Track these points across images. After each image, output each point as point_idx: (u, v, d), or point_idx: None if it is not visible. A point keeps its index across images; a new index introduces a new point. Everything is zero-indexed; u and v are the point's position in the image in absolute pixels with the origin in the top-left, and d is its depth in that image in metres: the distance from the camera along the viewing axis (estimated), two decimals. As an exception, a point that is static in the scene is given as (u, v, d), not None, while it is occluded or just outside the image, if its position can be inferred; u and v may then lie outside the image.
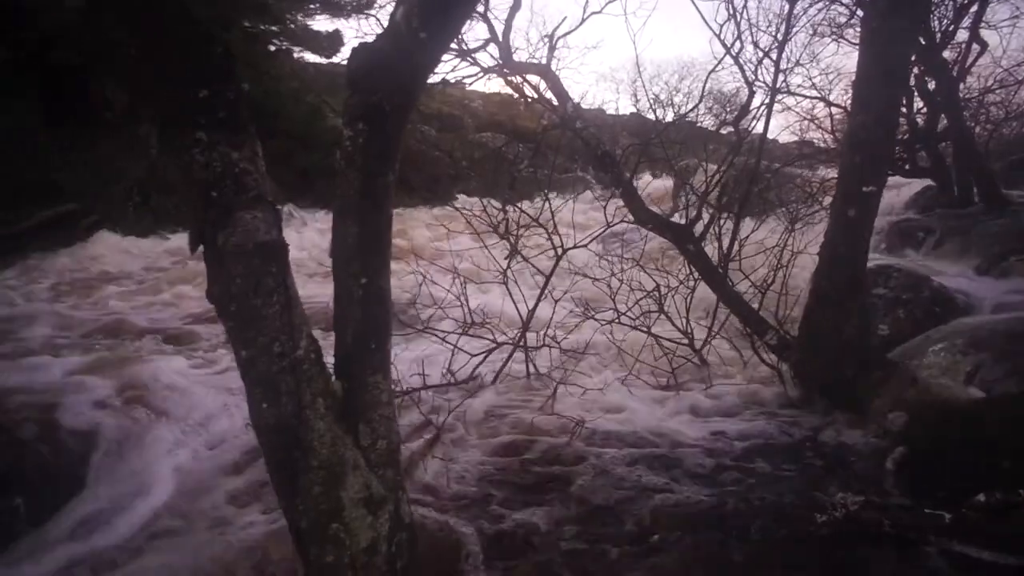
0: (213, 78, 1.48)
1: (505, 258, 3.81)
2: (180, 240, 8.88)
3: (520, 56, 4.60)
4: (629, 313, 3.54)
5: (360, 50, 1.67)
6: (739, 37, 3.94)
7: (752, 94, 4.17)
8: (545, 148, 6.04)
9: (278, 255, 1.58)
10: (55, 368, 3.55)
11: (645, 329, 3.59)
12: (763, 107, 3.95)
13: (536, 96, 4.67)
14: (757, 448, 2.97)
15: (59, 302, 5.92)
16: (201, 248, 1.55)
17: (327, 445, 1.68)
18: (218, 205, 1.50)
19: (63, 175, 9.13)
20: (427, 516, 2.38)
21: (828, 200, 3.68)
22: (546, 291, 3.43)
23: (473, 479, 2.70)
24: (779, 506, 2.41)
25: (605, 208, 3.44)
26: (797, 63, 4.27)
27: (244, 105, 1.54)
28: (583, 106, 4.25)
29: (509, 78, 4.74)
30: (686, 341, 3.85)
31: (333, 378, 1.76)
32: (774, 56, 3.94)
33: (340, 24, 15.16)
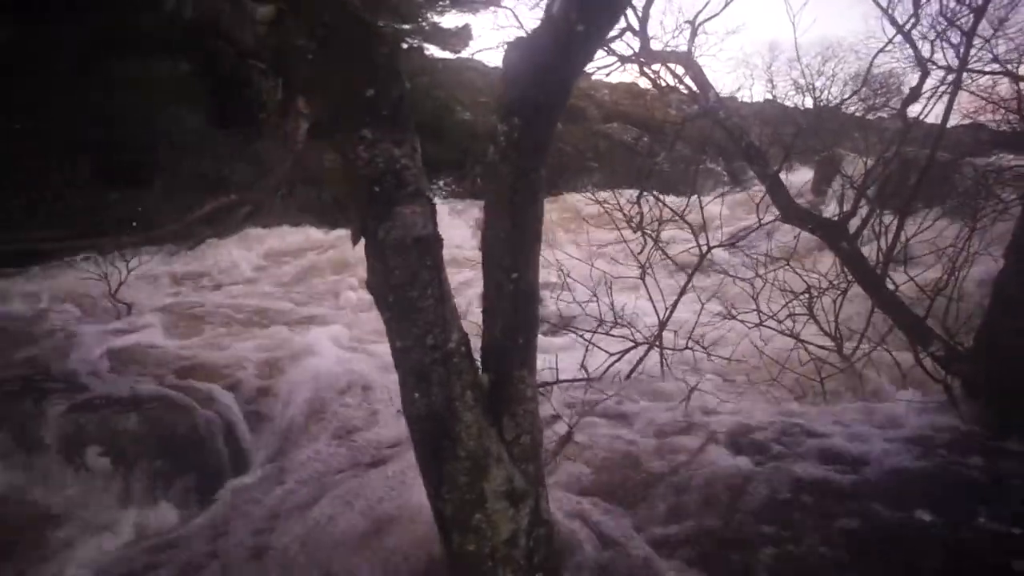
0: (380, 77, 1.54)
1: (639, 252, 3.71)
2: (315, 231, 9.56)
3: (655, 44, 4.44)
4: (775, 316, 3.30)
5: (516, 45, 1.66)
6: (916, 12, 3.51)
7: (926, 75, 3.72)
8: (675, 139, 5.79)
9: (434, 249, 1.62)
10: (231, 343, 3.94)
11: (792, 334, 3.33)
12: (943, 88, 3.48)
13: (673, 85, 4.49)
14: (919, 473, 2.67)
15: (223, 283, 6.56)
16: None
17: (474, 437, 1.71)
18: (380, 200, 1.56)
19: (228, 170, 10.16)
20: (555, 512, 2.36)
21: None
22: (685, 290, 3.29)
23: (602, 480, 2.65)
24: (956, 544, 2.14)
25: (758, 205, 3.22)
26: (988, 40, 3.65)
27: (406, 103, 1.59)
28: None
29: (645, 68, 4.59)
30: (835, 348, 3.54)
31: (480, 371, 1.78)
32: (962, 27, 3.42)
33: (468, 19, 15.51)
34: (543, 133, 1.68)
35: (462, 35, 15.45)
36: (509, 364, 1.79)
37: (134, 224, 8.79)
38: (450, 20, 15.67)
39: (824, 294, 3.52)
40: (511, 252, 1.72)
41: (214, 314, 5.10)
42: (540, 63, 1.63)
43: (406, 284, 1.57)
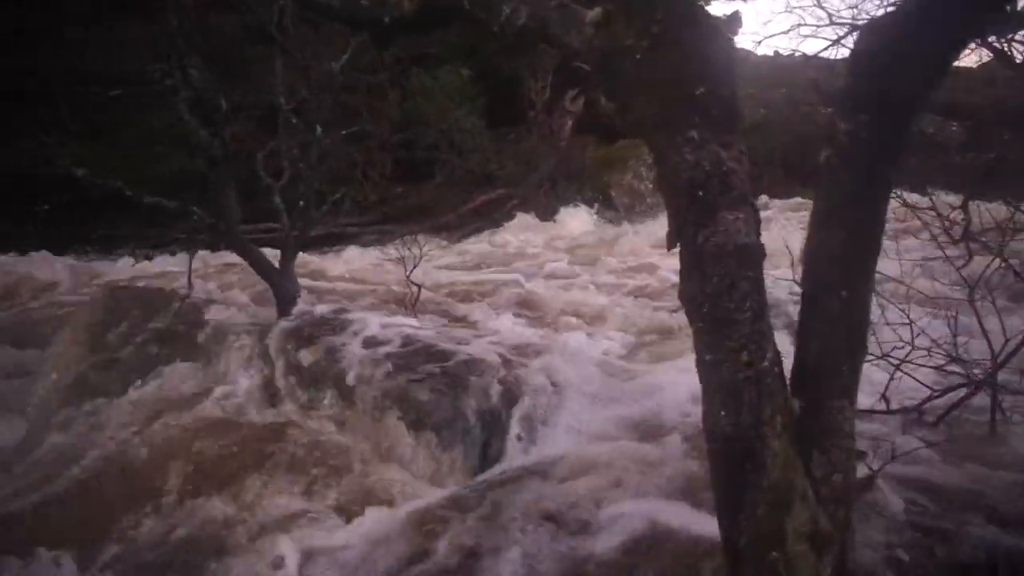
0: (712, 75, 1.46)
1: (961, 267, 3.10)
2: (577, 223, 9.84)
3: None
4: None
5: (873, 27, 1.45)
6: None
7: None
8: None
9: (756, 259, 1.49)
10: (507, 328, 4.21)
11: None
12: None
13: None
14: None
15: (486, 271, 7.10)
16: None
17: (779, 467, 1.55)
18: (702, 204, 1.47)
19: (497, 166, 11.03)
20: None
21: None
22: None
23: (907, 544, 2.24)
24: None
25: None
26: None
27: (738, 102, 1.48)
28: None
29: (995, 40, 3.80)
30: None
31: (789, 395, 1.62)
32: None
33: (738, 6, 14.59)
34: (899, 131, 1.44)
35: (732, 23, 14.60)
36: (826, 392, 1.59)
37: (416, 215, 10.06)
38: (720, 7, 14.94)
39: None
40: (842, 266, 1.52)
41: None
42: (904, 47, 1.39)
43: (723, 294, 1.47)
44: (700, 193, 1.47)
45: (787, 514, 1.57)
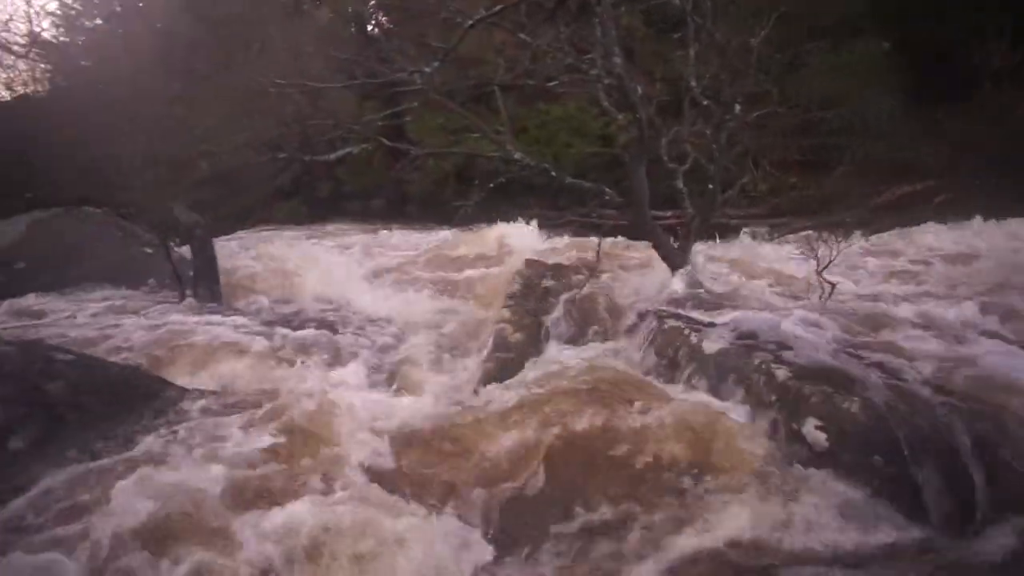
0: None
1: None
2: None
3: None
4: None
5: None
6: None
7: None
8: None
9: None
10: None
11: None
12: None
13: None
14: None
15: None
16: None
17: None
18: None
19: (915, 153, 9.20)
20: None
21: None
22: None
23: None
24: None
25: None
26: None
27: None
28: None
29: None
30: None
31: None
32: None
33: None
34: None
35: None
36: None
37: (812, 208, 9.02)
38: None
39: None
40: None
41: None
42: None
43: None
44: None
45: None
